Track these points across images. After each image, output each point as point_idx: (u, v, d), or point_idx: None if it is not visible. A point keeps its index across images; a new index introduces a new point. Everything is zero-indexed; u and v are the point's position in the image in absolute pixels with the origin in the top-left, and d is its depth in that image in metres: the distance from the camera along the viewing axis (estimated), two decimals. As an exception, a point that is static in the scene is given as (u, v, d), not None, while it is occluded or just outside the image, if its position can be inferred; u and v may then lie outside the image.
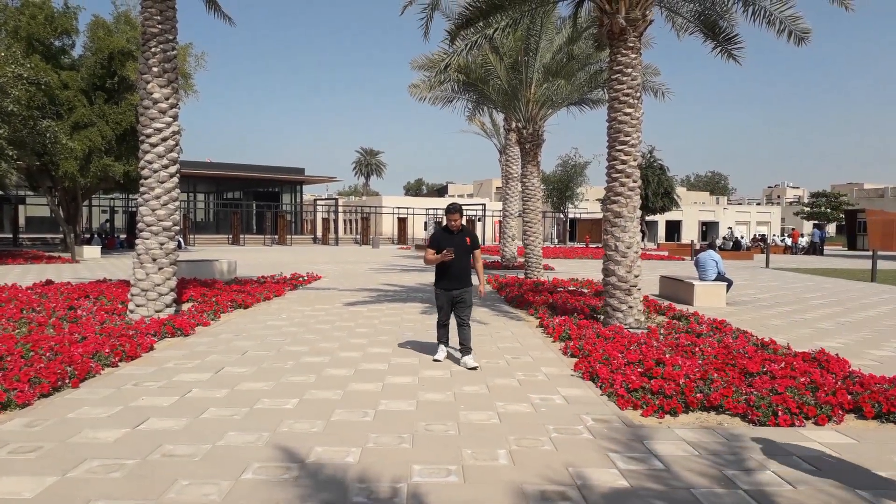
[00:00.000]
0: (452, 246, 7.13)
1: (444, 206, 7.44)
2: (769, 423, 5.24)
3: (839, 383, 6.04)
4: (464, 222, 7.36)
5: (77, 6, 25.81)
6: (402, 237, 51.64)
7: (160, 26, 10.03)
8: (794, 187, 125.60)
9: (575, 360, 7.45)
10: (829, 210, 68.65)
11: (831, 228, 73.83)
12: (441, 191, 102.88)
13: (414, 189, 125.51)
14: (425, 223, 55.80)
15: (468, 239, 7.31)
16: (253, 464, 4.24)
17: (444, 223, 7.42)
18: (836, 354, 7.33)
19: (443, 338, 7.55)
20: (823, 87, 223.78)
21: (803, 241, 42.29)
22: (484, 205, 52.78)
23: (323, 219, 50.35)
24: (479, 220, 51.94)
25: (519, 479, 4.06)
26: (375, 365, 7.23)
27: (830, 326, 10.53)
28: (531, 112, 18.69)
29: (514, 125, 20.65)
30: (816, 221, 62.73)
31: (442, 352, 7.53)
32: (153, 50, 10.01)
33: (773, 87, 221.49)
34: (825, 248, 42.80)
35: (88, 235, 35.20)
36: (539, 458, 4.45)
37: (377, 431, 4.92)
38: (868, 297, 14.92)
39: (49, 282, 14.03)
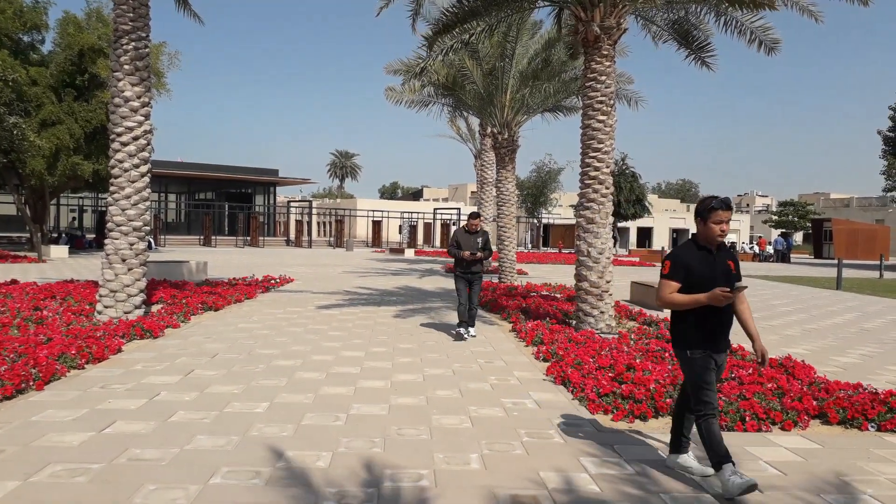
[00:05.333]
0: (718, 273, 4.11)
1: (700, 203, 4.16)
2: (737, 428, 5.32)
3: (805, 389, 6.16)
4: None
5: (47, 1, 25.37)
6: (376, 240, 51.50)
7: (133, 23, 9.89)
8: (762, 196, 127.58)
9: (547, 364, 7.49)
10: (796, 219, 69.89)
11: (798, 237, 75.21)
12: (416, 194, 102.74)
13: (389, 192, 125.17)
14: (400, 226, 55.69)
15: (731, 263, 4.24)
16: (222, 468, 4.19)
17: (708, 235, 4.13)
18: (802, 361, 7.47)
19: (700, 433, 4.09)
20: (793, 98, 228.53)
21: (770, 249, 43.06)
22: (459, 209, 52.85)
23: (297, 221, 50.07)
24: (453, 224, 52.01)
25: (491, 483, 4.07)
26: (348, 369, 7.18)
27: (797, 333, 10.73)
28: (507, 118, 18.78)
29: (489, 130, 20.74)
30: (784, 230, 63.82)
31: (691, 460, 4.36)
32: (125, 47, 9.86)
33: (743, 97, 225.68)
34: (792, 255, 43.61)
35: (56, 234, 34.53)
36: (511, 462, 4.46)
37: (349, 436, 4.90)
38: (833, 305, 15.24)
39: (14, 281, 13.72)
